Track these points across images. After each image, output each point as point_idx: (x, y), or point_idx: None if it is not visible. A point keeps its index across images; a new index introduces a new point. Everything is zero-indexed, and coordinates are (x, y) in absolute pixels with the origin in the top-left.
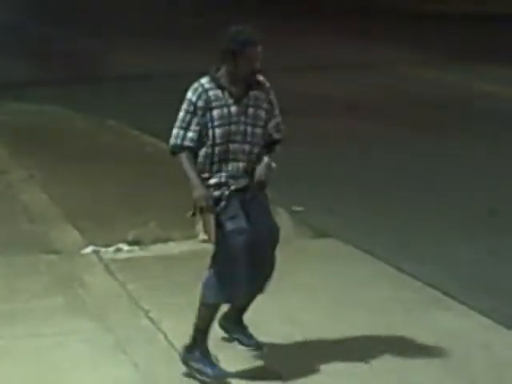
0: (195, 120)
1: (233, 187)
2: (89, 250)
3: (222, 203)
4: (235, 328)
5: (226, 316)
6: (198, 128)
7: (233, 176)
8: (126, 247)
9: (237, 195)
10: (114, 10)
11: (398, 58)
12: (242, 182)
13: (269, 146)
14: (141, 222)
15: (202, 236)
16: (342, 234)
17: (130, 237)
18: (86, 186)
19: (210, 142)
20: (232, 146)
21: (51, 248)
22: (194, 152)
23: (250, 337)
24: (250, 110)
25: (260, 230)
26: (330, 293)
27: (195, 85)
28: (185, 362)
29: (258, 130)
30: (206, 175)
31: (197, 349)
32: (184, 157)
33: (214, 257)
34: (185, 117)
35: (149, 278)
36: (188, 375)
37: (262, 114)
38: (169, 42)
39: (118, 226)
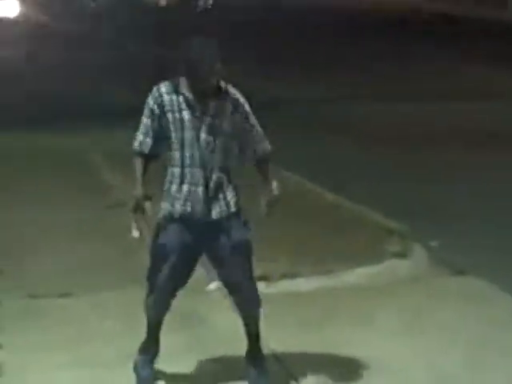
0: (153, 125)
1: (188, 209)
2: (213, 286)
3: (163, 221)
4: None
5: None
6: (154, 133)
7: (194, 184)
8: None
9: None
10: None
11: None
12: (199, 207)
13: (259, 163)
14: (269, 257)
15: (135, 233)
16: (481, 272)
17: (257, 272)
18: None
19: (169, 147)
20: (189, 153)
21: None
22: (152, 157)
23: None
24: (207, 119)
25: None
26: (469, 334)
27: (153, 89)
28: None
29: (220, 141)
30: (168, 180)
31: (143, 345)
32: (136, 160)
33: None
34: (143, 121)
35: (275, 315)
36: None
37: (225, 125)
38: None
39: None
